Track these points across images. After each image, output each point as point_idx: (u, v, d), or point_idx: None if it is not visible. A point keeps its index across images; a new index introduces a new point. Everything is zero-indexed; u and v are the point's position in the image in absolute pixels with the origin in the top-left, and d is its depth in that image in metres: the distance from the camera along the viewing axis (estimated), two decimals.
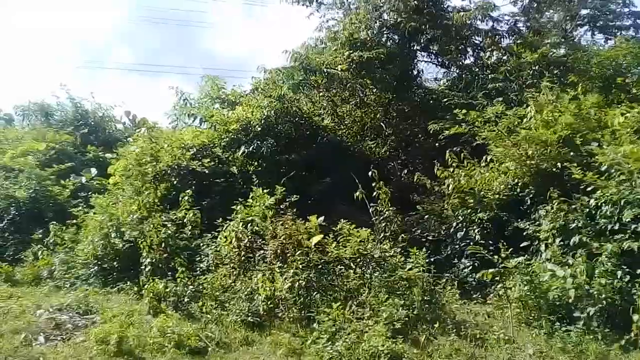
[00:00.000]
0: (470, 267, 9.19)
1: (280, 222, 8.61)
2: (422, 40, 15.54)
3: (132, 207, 10.99)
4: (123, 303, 8.91)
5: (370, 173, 9.95)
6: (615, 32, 18.15)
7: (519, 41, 13.86)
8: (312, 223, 8.74)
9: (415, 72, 16.07)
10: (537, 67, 12.06)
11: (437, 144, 13.34)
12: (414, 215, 10.79)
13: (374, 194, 9.90)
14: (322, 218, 8.93)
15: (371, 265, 8.01)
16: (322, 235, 8.19)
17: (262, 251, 8.49)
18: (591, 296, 6.90)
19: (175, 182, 11.79)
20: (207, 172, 11.87)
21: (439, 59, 15.59)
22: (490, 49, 13.90)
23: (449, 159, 10.22)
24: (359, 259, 8.06)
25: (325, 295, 7.68)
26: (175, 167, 11.98)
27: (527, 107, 9.41)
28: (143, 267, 9.49)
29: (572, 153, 8.43)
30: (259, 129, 12.66)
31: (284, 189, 9.77)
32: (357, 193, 10.28)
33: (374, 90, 15.07)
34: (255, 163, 12.39)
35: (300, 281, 7.68)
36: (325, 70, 13.28)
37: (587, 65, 12.02)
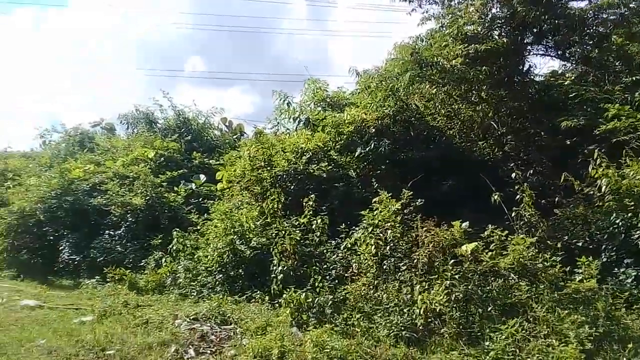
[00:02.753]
0: (634, 277, 8.26)
1: (425, 229, 8.01)
2: (536, 32, 14.55)
3: (253, 212, 10.80)
4: (258, 313, 8.64)
5: (513, 175, 9.17)
6: None
7: None
8: (455, 229, 8.09)
9: (527, 67, 15.18)
10: None
11: (567, 142, 12.38)
12: (556, 219, 9.89)
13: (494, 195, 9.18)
14: (466, 223, 8.26)
15: (536, 277, 7.23)
16: (476, 243, 7.51)
17: (407, 260, 7.91)
18: None
19: (292, 188, 11.51)
20: (325, 176, 11.49)
21: (558, 52, 14.53)
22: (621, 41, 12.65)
23: (598, 158, 9.27)
24: (520, 270, 7.31)
25: (485, 309, 7.02)
26: (292, 171, 11.69)
27: None
28: (274, 275, 9.20)
29: None
30: (374, 129, 12.17)
31: (411, 192, 9.19)
32: (495, 196, 9.54)
33: (484, 87, 14.23)
34: (372, 166, 11.90)
35: (457, 293, 7.05)
36: (440, 63, 12.57)
37: None
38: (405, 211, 8.76)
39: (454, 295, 7.06)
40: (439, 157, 12.31)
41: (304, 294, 7.97)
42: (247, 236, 10.31)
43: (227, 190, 13.38)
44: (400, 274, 7.96)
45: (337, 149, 12.35)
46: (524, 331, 6.41)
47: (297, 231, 9.61)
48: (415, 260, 7.69)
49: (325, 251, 9.67)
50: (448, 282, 7.13)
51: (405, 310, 7.31)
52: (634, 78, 11.22)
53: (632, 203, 8.62)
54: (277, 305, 8.80)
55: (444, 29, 14.47)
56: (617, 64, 12.66)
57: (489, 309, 7.02)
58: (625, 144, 10.10)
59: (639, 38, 12.75)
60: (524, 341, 6.25)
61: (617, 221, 8.77)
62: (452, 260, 7.41)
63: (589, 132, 11.61)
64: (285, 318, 7.91)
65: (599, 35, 13.32)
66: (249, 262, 10.07)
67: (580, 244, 9.18)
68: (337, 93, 15.29)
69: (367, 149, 11.90)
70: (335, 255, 9.50)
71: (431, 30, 15.68)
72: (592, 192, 9.47)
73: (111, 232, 13.96)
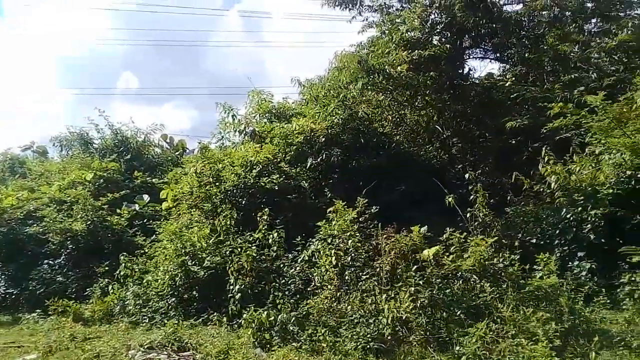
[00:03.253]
0: (588, 269, 8.43)
1: (385, 236, 7.88)
2: (475, 37, 14.91)
3: (205, 231, 10.37)
4: (217, 336, 8.22)
5: (467, 176, 9.24)
6: None
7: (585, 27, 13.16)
8: (415, 234, 8.01)
9: (467, 70, 15.54)
10: (616, 55, 11.30)
11: (512, 141, 12.69)
12: (508, 218, 10.01)
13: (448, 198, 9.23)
14: (425, 228, 8.20)
15: (498, 277, 7.23)
16: (437, 247, 7.44)
17: (368, 269, 7.75)
18: None
19: (243, 202, 11.16)
20: (276, 188, 11.20)
21: (497, 54, 14.94)
22: (556, 41, 13.14)
23: (546, 156, 9.49)
24: (482, 271, 7.29)
25: (451, 314, 6.93)
26: (242, 186, 11.33)
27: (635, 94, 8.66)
28: (231, 294, 8.82)
29: None
30: (324, 139, 12.03)
31: (365, 200, 9.07)
32: (450, 199, 9.59)
33: (428, 92, 14.42)
34: (324, 175, 11.74)
35: (422, 299, 6.94)
36: (387, 70, 12.63)
37: None
38: (361, 219, 8.66)
39: (419, 302, 6.95)
40: (389, 163, 12.31)
41: (264, 312, 7.64)
42: (200, 256, 9.85)
43: (174, 209, 12.84)
44: (362, 283, 7.78)
45: (287, 160, 12.12)
46: (492, 332, 6.36)
47: (253, 247, 9.26)
48: (378, 269, 7.54)
49: (283, 266, 9.37)
50: (413, 288, 7.01)
51: (371, 320, 7.12)
52: (572, 76, 11.60)
53: (582, 198, 8.84)
54: (236, 326, 8.43)
55: (385, 36, 14.61)
56: (553, 63, 13.09)
57: (455, 312, 6.95)
58: (569, 140, 10.42)
59: (572, 38, 13.29)
60: (493, 343, 6.18)
61: (568, 216, 8.95)
62: (415, 266, 7.30)
63: (532, 130, 11.94)
64: (247, 339, 7.57)
65: (535, 36, 13.78)
66: (203, 283, 9.62)
67: (533, 240, 9.32)
68: (282, 104, 15.06)
69: (319, 159, 11.74)
70: (293, 270, 9.21)
71: (372, 38, 15.86)
72: (541, 190, 9.67)
73: (50, 262, 13.08)
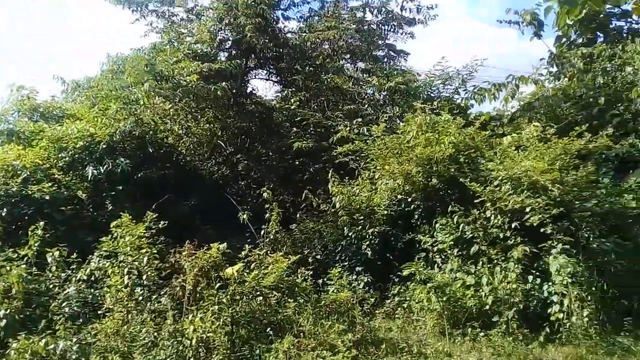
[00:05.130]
0: (365, 283, 9.31)
1: (185, 253, 7.55)
2: (261, 58, 15.44)
3: None
4: None
5: (265, 195, 9.47)
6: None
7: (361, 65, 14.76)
8: (213, 251, 7.84)
9: (250, 89, 16.02)
10: (386, 92, 12.90)
11: (296, 162, 13.39)
12: (295, 235, 10.49)
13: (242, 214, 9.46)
14: (224, 245, 8.09)
15: (296, 292, 7.50)
16: (241, 264, 7.39)
17: (166, 288, 7.31)
18: (504, 300, 7.50)
19: (4, 213, 9.56)
20: (47, 198, 9.84)
21: (280, 77, 15.69)
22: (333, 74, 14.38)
23: (331, 177, 10.25)
24: (282, 287, 7.48)
25: (254, 330, 6.95)
26: (3, 194, 9.71)
27: (407, 127, 9.94)
28: None
29: (457, 169, 9.12)
30: (105, 146, 11.01)
31: (155, 214, 8.61)
32: (244, 216, 9.70)
33: (214, 106, 14.41)
34: (106, 186, 10.73)
35: (225, 317, 6.81)
36: (177, 78, 12.22)
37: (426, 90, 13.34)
38: (148, 235, 8.14)
39: (222, 320, 6.80)
40: (177, 176, 11.88)
41: (41, 340, 6.58)
42: None
43: None
44: (158, 304, 7.30)
45: (60, 167, 10.76)
46: (294, 347, 6.55)
47: (22, 265, 7.94)
48: (178, 288, 7.15)
49: (58, 286, 8.22)
50: (216, 307, 6.82)
51: (170, 342, 6.69)
52: (350, 107, 12.78)
53: (361, 217, 9.74)
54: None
55: (174, 44, 14.21)
56: (332, 93, 14.26)
57: (258, 329, 6.99)
58: (347, 164, 11.46)
59: (348, 74, 14.73)
60: (296, 356, 6.38)
61: (350, 234, 9.79)
62: (218, 284, 7.14)
63: (315, 153, 12.82)
64: None
65: (316, 66, 14.85)
66: None
67: (318, 256, 9.94)
68: (51, 103, 13.43)
69: (100, 167, 10.69)
70: (70, 291, 8.15)
71: (158, 44, 15.26)
72: (326, 209, 10.40)
73: None
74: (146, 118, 12.17)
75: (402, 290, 8.86)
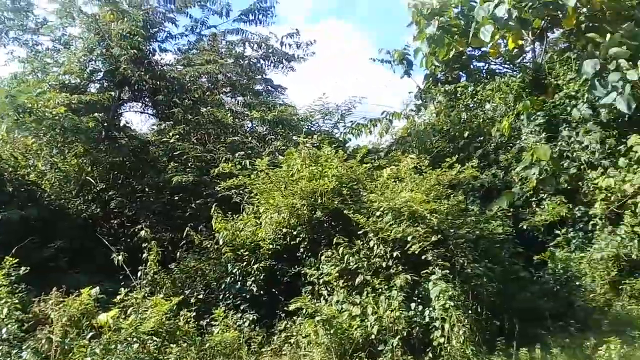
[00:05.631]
0: (251, 321, 9.02)
1: (50, 301, 6.81)
2: (136, 90, 14.82)
3: None
4: None
5: (142, 232, 8.87)
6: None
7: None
8: (84, 297, 7.18)
9: (123, 123, 15.26)
10: (268, 125, 12.93)
11: (175, 197, 12.83)
12: (176, 275, 9.93)
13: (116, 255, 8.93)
14: (96, 290, 7.44)
15: (177, 336, 7.04)
16: (116, 310, 6.80)
17: (30, 342, 6.49)
18: (388, 328, 7.63)
19: None
20: None
21: (157, 110, 15.12)
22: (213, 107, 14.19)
23: (214, 212, 9.93)
24: (162, 332, 6.98)
25: None
26: None
27: (291, 160, 9.95)
28: None
29: (341, 202, 9.25)
30: None
31: (15, 260, 7.75)
32: (120, 257, 9.05)
33: (83, 140, 13.46)
34: None
35: None
36: (41, 111, 11.25)
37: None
38: (7, 283, 7.26)
39: None
40: (40, 216, 10.80)
41: None
42: None
43: None
44: None
45: None
46: None
47: None
48: (44, 340, 6.39)
49: None
50: (88, 359, 6.18)
51: None
52: (234, 138, 12.60)
53: (246, 253, 9.50)
54: None
55: (38, 74, 13.20)
56: (213, 126, 13.99)
57: None
58: (230, 198, 11.19)
59: (228, 107, 14.60)
60: None
61: (234, 270, 9.47)
62: (90, 334, 6.49)
63: (195, 187, 12.39)
64: None
65: (195, 99, 14.54)
66: None
67: (201, 296, 9.47)
68: None
69: None
70: None
71: (19, 74, 14.13)
72: (209, 245, 10.00)
73: None
74: (5, 154, 11.00)
75: (288, 326, 8.69)
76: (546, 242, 10.62)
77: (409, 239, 7.92)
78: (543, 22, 11.66)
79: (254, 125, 14.83)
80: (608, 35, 10.77)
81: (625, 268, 9.50)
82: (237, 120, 14.80)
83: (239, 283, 9.43)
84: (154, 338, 6.90)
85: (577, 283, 9.53)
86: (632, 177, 9.65)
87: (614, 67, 10.18)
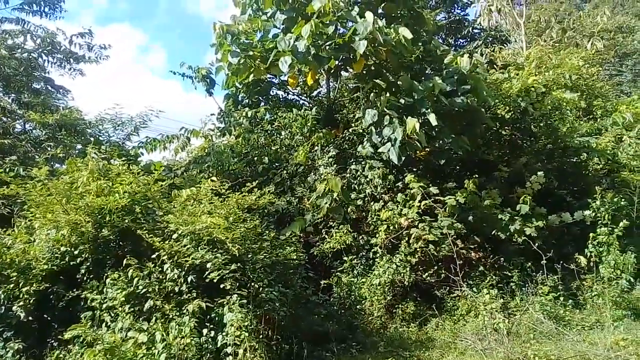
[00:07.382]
0: (15, 351, 7.86)
1: None
2: None
3: None
4: None
5: None
6: None
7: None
8: None
9: None
10: (48, 129, 11.55)
11: None
12: None
13: None
14: None
15: None
16: None
17: None
18: (177, 356, 7.28)
19: None
20: None
21: None
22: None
23: None
24: None
25: None
26: None
27: (77, 172, 8.98)
28: None
29: (132, 220, 8.62)
30: None
31: None
32: None
33: None
34: None
35: None
36: None
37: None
38: None
39: None
40: None
41: None
42: None
43: None
44: None
45: None
46: None
47: None
48: None
49: None
50: None
51: None
52: (4, 142, 10.96)
53: (15, 274, 8.27)
54: None
55: None
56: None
57: None
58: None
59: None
60: None
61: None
62: None
63: None
64: None
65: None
66: None
67: None
68: None
69: None
70: None
71: None
72: None
73: None
74: None
75: (61, 356, 7.80)
76: (333, 268, 11.31)
77: (208, 265, 7.73)
78: (337, 61, 12.49)
79: (29, 128, 13.12)
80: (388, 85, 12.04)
81: (398, 293, 10.59)
82: (9, 119, 12.96)
83: (3, 308, 8.21)
84: None
85: (359, 307, 10.34)
86: (407, 212, 10.88)
87: (387, 122, 11.35)
